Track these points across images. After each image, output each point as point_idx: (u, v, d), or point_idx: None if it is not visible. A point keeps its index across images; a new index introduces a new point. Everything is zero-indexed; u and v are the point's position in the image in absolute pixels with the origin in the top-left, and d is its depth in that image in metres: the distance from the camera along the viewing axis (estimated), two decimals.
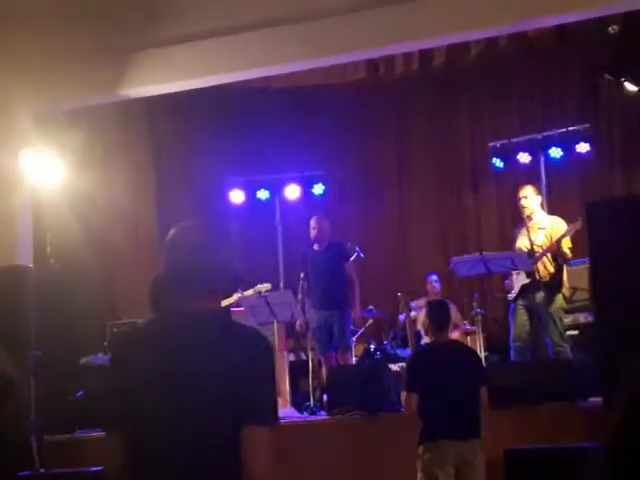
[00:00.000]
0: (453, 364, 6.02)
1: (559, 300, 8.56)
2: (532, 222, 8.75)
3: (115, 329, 9.96)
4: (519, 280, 8.67)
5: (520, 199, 8.81)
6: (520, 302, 8.66)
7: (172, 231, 2.81)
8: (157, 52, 8.09)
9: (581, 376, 7.50)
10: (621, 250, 6.53)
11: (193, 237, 2.78)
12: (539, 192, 9.06)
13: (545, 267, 8.57)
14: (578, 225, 8.27)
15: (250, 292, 9.05)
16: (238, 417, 2.58)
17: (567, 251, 8.49)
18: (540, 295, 8.50)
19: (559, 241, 8.43)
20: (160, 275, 2.81)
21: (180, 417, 2.60)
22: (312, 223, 9.67)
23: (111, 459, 2.73)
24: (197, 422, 2.59)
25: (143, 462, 2.65)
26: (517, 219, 9.20)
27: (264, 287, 9.19)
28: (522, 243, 8.72)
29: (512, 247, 9.04)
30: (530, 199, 8.80)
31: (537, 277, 8.48)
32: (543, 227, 8.72)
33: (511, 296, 8.78)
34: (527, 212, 8.76)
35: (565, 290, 8.67)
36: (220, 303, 2.84)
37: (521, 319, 8.60)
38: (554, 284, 8.55)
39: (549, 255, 8.56)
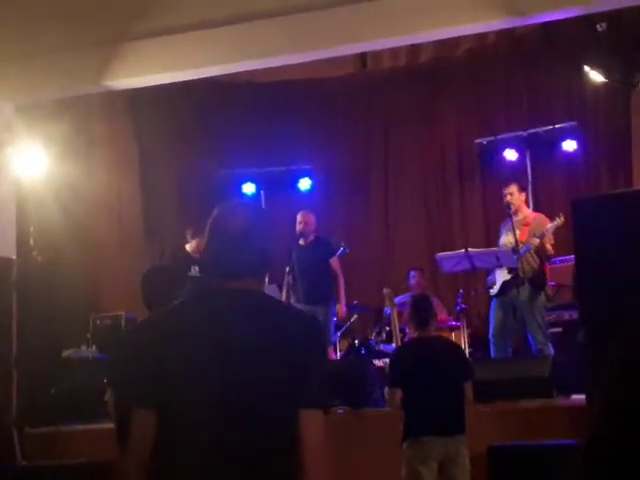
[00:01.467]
0: (437, 360, 6.01)
1: (541, 297, 8.58)
2: (517, 218, 8.79)
3: (98, 321, 9.92)
4: (501, 276, 8.70)
5: (505, 196, 8.87)
6: (501, 298, 8.68)
7: (216, 212, 2.77)
8: (142, 44, 8.04)
9: (564, 373, 7.51)
10: (606, 247, 6.52)
11: (240, 218, 2.74)
12: (524, 189, 9.11)
13: (528, 263, 8.58)
14: (560, 222, 8.38)
15: None
16: (293, 399, 2.56)
17: (549, 247, 8.53)
18: (522, 291, 8.52)
19: (542, 237, 8.46)
20: (205, 255, 2.78)
21: (233, 395, 2.55)
22: (298, 218, 9.65)
23: (140, 435, 2.62)
24: (250, 401, 2.55)
25: (187, 440, 2.56)
26: (503, 216, 9.21)
27: None
28: (507, 240, 8.76)
29: (497, 243, 9.07)
30: (515, 196, 8.85)
31: (520, 273, 8.50)
32: (527, 223, 8.75)
33: (493, 292, 8.80)
34: (512, 208, 8.81)
35: (548, 288, 8.69)
36: (262, 285, 2.81)
37: (501, 315, 8.63)
38: (537, 281, 8.57)
39: (532, 252, 8.58)
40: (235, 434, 2.53)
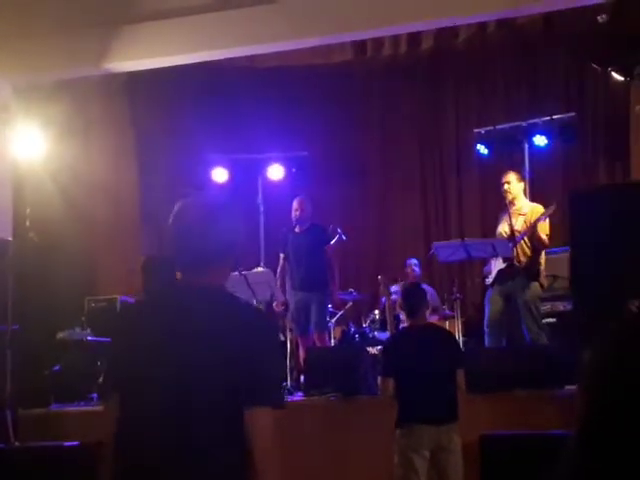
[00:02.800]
0: (429, 348, 6.02)
1: (535, 288, 8.58)
2: (514, 208, 8.78)
3: (93, 304, 9.92)
4: (497, 265, 8.70)
5: (503, 184, 8.86)
6: (496, 287, 8.68)
7: (179, 206, 2.80)
8: (141, 27, 8.02)
9: (558, 364, 7.52)
10: (602, 238, 6.53)
11: (201, 214, 2.77)
12: (522, 179, 9.10)
13: (523, 252, 8.59)
14: (551, 210, 8.37)
15: None
16: (242, 397, 2.59)
17: (543, 237, 8.51)
18: (517, 281, 8.53)
19: (534, 225, 8.45)
20: (165, 250, 2.89)
21: (175, 390, 2.59)
22: (295, 204, 9.64)
23: (108, 426, 2.75)
24: (191, 395, 2.59)
25: (136, 430, 2.66)
26: (500, 205, 9.21)
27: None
28: (503, 229, 8.76)
29: (495, 233, 9.08)
30: (512, 185, 8.83)
31: (515, 262, 8.51)
32: (523, 213, 8.75)
33: (488, 281, 8.82)
34: (509, 197, 8.80)
35: (543, 279, 8.69)
36: (224, 280, 2.84)
37: (496, 304, 8.63)
38: (531, 271, 8.57)
39: (526, 241, 8.58)
40: (180, 429, 2.58)
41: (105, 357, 2.95)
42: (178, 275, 2.83)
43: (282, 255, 9.58)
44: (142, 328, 2.74)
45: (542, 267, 8.68)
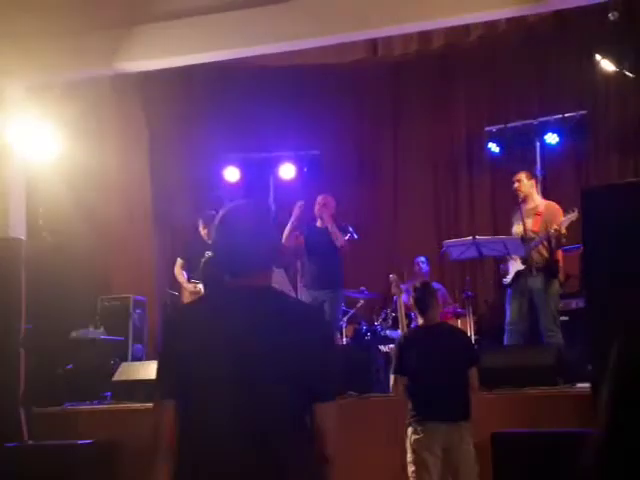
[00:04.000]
0: (441, 346, 6.03)
1: (555, 285, 8.59)
2: (527, 207, 8.79)
3: (106, 303, 9.96)
4: (515, 266, 8.70)
5: (514, 183, 8.87)
6: (516, 287, 8.69)
7: (224, 211, 2.87)
8: (154, 27, 8.04)
9: (570, 362, 7.52)
10: (615, 237, 6.52)
11: (247, 217, 2.83)
12: (532, 177, 9.10)
13: (539, 253, 8.59)
14: (574, 217, 8.31)
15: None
16: (306, 393, 2.66)
17: (563, 240, 8.54)
18: (535, 280, 8.54)
19: (558, 230, 8.43)
20: (213, 254, 2.92)
21: (241, 391, 2.62)
22: (318, 199, 9.65)
23: (158, 428, 2.73)
24: (258, 395, 2.62)
25: (201, 433, 2.66)
26: (511, 204, 9.22)
27: None
28: (518, 229, 8.78)
29: (506, 231, 9.10)
30: (523, 183, 8.88)
31: (531, 263, 8.51)
32: (539, 212, 8.75)
33: (506, 281, 8.82)
34: (520, 196, 8.82)
35: (561, 276, 8.70)
36: (269, 282, 2.88)
37: (516, 304, 8.64)
38: (550, 269, 8.57)
39: (544, 242, 8.58)
40: (248, 436, 2.62)
41: (159, 363, 2.87)
42: (226, 279, 2.85)
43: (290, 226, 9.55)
44: (201, 331, 2.72)
45: (560, 265, 8.68)
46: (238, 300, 2.76)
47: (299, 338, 2.67)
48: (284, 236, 9.47)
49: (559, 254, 8.71)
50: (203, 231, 9.36)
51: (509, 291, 8.82)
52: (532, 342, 8.56)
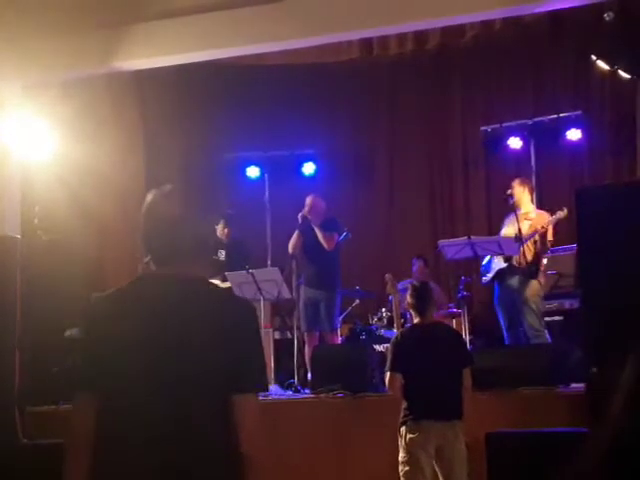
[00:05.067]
0: (436, 346, 6.06)
1: (534, 285, 8.67)
2: (520, 212, 8.89)
3: None
4: (496, 264, 8.84)
5: (508, 189, 9.03)
6: (501, 291, 8.94)
7: (151, 197, 2.80)
8: (150, 25, 8.03)
9: (564, 362, 7.54)
10: (609, 236, 6.54)
11: (174, 205, 2.77)
12: (525, 184, 9.18)
13: (524, 254, 8.69)
14: (562, 215, 8.49)
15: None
16: (226, 384, 2.60)
17: (548, 244, 8.70)
18: (514, 280, 8.69)
19: (545, 227, 8.54)
20: (140, 241, 2.82)
21: (163, 381, 2.59)
22: (307, 200, 9.62)
23: (80, 421, 2.71)
24: (180, 386, 2.59)
25: (122, 425, 2.63)
26: (506, 204, 9.26)
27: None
28: (508, 231, 8.88)
29: (499, 234, 9.18)
30: (515, 190, 9.02)
31: (514, 263, 8.63)
32: (530, 218, 8.86)
33: (486, 279, 8.94)
34: (512, 202, 8.97)
35: (541, 277, 8.78)
36: (200, 272, 2.82)
37: (504, 309, 8.92)
38: (530, 271, 8.66)
39: (530, 244, 8.67)
40: (169, 420, 2.58)
41: (79, 352, 2.83)
42: (146, 267, 2.83)
43: (290, 252, 9.54)
44: (125, 319, 2.68)
45: (542, 268, 8.79)
46: (157, 288, 2.72)
47: (221, 327, 2.63)
48: (290, 243, 9.45)
49: (542, 259, 8.82)
50: (222, 231, 9.40)
51: (496, 293, 9.00)
52: (524, 342, 8.60)
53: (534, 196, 9.54)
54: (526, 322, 8.58)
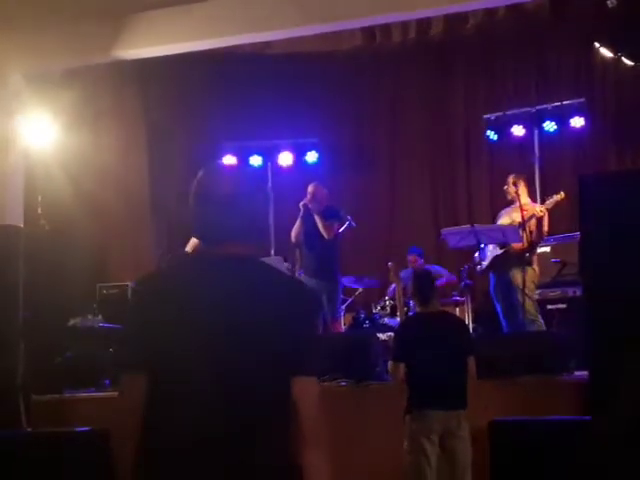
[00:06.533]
0: (440, 334, 6.04)
1: (529, 272, 8.70)
2: (516, 205, 8.97)
3: (104, 291, 9.96)
4: (492, 251, 8.90)
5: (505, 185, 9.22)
6: (497, 279, 9.01)
7: (201, 174, 2.69)
8: (151, 14, 8.02)
9: (567, 349, 7.54)
10: (612, 224, 6.53)
11: (226, 182, 2.65)
12: (519, 178, 9.23)
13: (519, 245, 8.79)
14: (559, 197, 8.51)
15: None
16: (285, 367, 2.51)
17: (544, 230, 8.78)
18: (509, 267, 8.80)
19: (542, 212, 8.68)
20: (192, 220, 2.67)
21: (221, 364, 2.47)
22: (309, 188, 9.61)
23: (126, 406, 2.56)
24: (239, 369, 2.48)
25: (176, 411, 2.48)
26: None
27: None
28: (504, 221, 8.98)
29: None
30: (509, 186, 9.11)
31: (509, 249, 8.78)
32: (526, 209, 8.90)
33: (480, 268, 8.97)
34: (508, 198, 9.15)
35: (536, 265, 8.83)
36: (256, 250, 2.70)
37: (501, 296, 8.97)
38: (524, 258, 8.69)
39: (527, 231, 8.71)
40: (227, 403, 2.47)
41: (125, 331, 2.70)
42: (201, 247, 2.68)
43: (293, 240, 9.53)
44: (174, 300, 2.53)
45: (535, 256, 8.84)
46: (216, 267, 2.58)
47: (279, 309, 2.53)
48: (293, 231, 9.47)
49: (536, 248, 8.91)
50: None
51: (492, 283, 9.07)
52: (527, 330, 8.61)
53: (537, 184, 9.55)
54: (521, 310, 8.63)
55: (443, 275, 10.28)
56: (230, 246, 2.61)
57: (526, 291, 8.60)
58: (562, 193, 8.58)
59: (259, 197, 2.72)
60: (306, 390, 2.55)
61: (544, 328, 8.58)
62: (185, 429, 2.47)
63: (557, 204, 8.68)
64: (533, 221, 8.71)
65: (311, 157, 11.99)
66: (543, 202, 9.05)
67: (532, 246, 8.79)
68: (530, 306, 8.59)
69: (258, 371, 2.49)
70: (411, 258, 10.68)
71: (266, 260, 8.94)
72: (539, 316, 8.66)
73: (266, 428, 2.49)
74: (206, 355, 2.47)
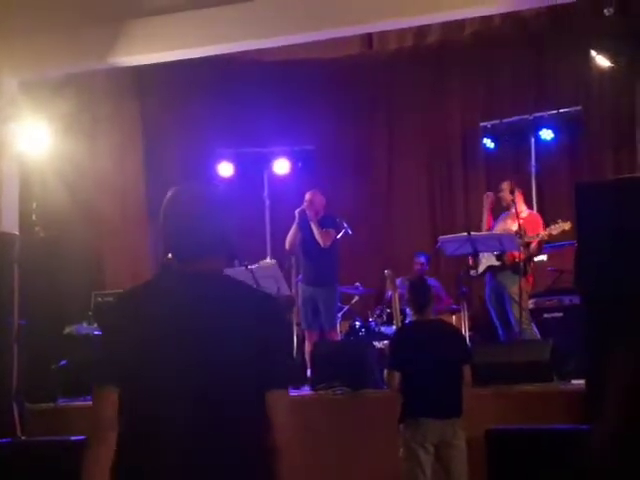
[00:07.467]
0: (435, 343, 6.03)
1: (523, 282, 8.73)
2: (512, 212, 9.00)
3: (100, 299, 9.93)
4: (487, 259, 8.93)
5: (499, 192, 9.38)
6: (491, 287, 9.15)
7: (171, 192, 2.75)
8: (148, 21, 8.02)
9: (564, 358, 7.53)
10: (609, 232, 6.52)
11: (196, 198, 2.72)
12: (513, 186, 9.26)
13: (512, 254, 8.83)
14: (567, 226, 8.57)
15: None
16: (256, 381, 2.56)
17: (542, 247, 8.97)
18: (504, 276, 8.92)
19: (546, 237, 8.77)
20: (162, 238, 2.75)
21: (191, 378, 2.53)
22: (306, 196, 9.59)
23: (100, 414, 2.62)
24: (210, 383, 2.54)
25: (148, 423, 2.55)
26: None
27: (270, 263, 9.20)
28: (500, 228, 9.02)
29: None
30: (504, 194, 9.26)
31: (505, 259, 8.90)
32: (521, 218, 8.93)
33: (474, 273, 9.00)
34: (504, 204, 9.27)
35: (530, 276, 8.95)
36: (222, 268, 2.77)
37: (495, 302, 9.16)
38: (519, 267, 8.70)
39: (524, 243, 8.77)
40: (200, 419, 2.53)
41: (100, 348, 2.74)
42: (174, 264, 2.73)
43: (295, 228, 9.50)
44: (147, 316, 2.61)
45: (530, 267, 8.87)
46: (184, 284, 2.65)
47: (249, 323, 2.58)
48: (288, 238, 9.45)
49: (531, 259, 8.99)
50: None
51: (488, 291, 9.20)
52: (523, 338, 8.60)
53: (533, 191, 9.56)
54: (514, 318, 8.67)
55: (441, 297, 10.22)
56: (199, 262, 2.67)
57: (518, 299, 8.63)
58: (569, 223, 8.47)
59: (227, 213, 2.76)
60: (275, 403, 2.60)
61: (537, 337, 8.58)
62: (157, 444, 2.54)
63: (562, 232, 8.71)
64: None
65: (307, 164, 11.96)
66: (547, 225, 9.04)
67: (529, 258, 8.83)
68: (523, 315, 8.59)
69: (227, 387, 2.55)
70: (418, 264, 10.67)
71: (262, 267, 9.01)
72: (532, 325, 8.68)
73: (234, 443, 2.55)
74: (175, 372, 2.54)
